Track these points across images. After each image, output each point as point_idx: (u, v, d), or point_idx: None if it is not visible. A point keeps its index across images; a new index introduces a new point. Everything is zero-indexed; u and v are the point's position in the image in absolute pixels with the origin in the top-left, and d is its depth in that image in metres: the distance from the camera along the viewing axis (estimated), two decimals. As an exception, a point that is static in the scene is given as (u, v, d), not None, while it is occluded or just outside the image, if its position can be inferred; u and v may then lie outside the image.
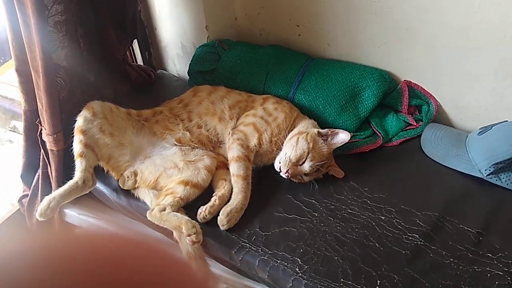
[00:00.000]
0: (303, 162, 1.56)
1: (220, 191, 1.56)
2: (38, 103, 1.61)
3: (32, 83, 1.59)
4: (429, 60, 1.77)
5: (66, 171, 1.67)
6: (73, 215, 1.84)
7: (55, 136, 1.62)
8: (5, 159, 2.57)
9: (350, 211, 1.54)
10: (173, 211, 1.48)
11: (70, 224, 1.92)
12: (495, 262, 1.38)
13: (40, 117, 1.64)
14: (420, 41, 1.74)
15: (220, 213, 1.50)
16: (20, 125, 2.59)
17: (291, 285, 1.37)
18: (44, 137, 1.66)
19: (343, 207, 1.55)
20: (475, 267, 1.37)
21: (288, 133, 1.65)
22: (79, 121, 1.56)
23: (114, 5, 1.79)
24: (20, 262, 0.45)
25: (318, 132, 1.60)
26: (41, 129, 1.67)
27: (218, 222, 1.49)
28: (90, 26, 1.73)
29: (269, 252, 1.44)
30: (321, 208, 1.55)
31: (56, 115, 1.59)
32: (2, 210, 2.25)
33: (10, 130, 2.64)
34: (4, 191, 2.36)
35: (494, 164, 1.56)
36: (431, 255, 1.40)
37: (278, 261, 1.41)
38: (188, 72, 2.02)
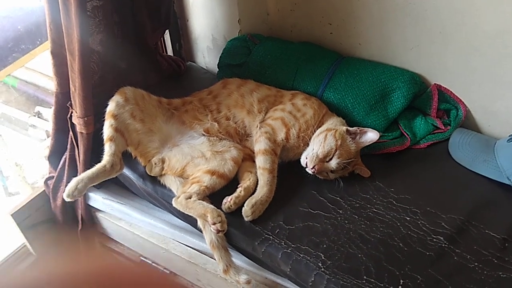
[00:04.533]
0: (330, 159, 1.56)
1: (246, 182, 1.57)
2: (71, 86, 1.63)
3: (65, 66, 1.61)
4: (461, 64, 1.76)
5: (93, 154, 1.70)
6: (98, 199, 1.87)
7: (85, 119, 1.64)
8: (28, 143, 2.61)
9: (375, 210, 1.53)
10: (199, 200, 1.49)
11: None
12: (520, 269, 1.37)
13: (72, 100, 1.66)
14: (453, 45, 1.73)
15: (245, 204, 1.50)
16: (44, 110, 2.63)
17: (313, 279, 1.37)
18: (75, 120, 1.68)
19: (368, 206, 1.55)
20: (500, 273, 1.35)
21: (316, 129, 1.65)
22: (111, 106, 1.57)
23: (150, -7, 1.82)
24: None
25: (347, 129, 1.60)
26: (72, 112, 1.69)
27: (243, 213, 1.50)
28: (126, 13, 1.75)
29: (292, 245, 1.44)
30: (345, 206, 1.55)
31: (88, 98, 1.61)
32: (24, 193, 2.29)
33: (34, 115, 2.67)
34: (27, 175, 2.40)
35: (522, 172, 1.55)
36: (455, 258, 1.40)
37: (301, 255, 1.41)
38: (218, 64, 2.04)
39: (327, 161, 1.56)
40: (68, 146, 1.78)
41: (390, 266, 1.37)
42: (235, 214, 1.51)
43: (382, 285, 1.33)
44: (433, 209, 1.53)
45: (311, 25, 2.03)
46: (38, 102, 2.79)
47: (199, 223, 1.53)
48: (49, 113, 2.06)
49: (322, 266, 1.38)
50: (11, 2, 1.93)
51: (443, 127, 1.81)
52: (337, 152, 1.55)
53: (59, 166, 1.84)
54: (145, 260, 1.90)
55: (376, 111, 1.78)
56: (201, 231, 1.53)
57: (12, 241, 1.99)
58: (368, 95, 1.78)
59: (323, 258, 1.40)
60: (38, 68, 2.75)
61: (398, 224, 1.49)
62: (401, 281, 1.34)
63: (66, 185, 1.52)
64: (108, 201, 1.85)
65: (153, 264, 1.87)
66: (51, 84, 1.69)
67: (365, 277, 1.35)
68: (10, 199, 2.37)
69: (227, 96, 1.73)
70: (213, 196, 1.54)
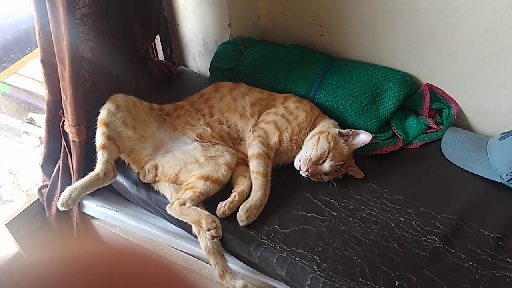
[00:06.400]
0: (323, 162, 1.56)
1: (240, 187, 1.57)
2: (62, 95, 1.62)
3: (56, 74, 1.60)
4: (452, 64, 1.77)
5: (86, 162, 1.69)
6: (92, 207, 1.86)
7: (78, 127, 1.63)
8: (21, 150, 2.59)
9: (369, 211, 1.54)
10: (193, 206, 1.49)
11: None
12: (515, 267, 1.37)
13: (64, 108, 1.65)
14: (443, 45, 1.74)
15: (240, 209, 1.50)
16: (36, 117, 2.62)
17: (309, 283, 1.37)
18: (67, 128, 1.67)
19: (362, 207, 1.55)
20: (495, 272, 1.36)
21: (309, 132, 1.65)
22: (103, 113, 1.57)
23: (140, -1, 1.81)
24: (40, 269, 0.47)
25: (339, 132, 1.60)
26: (64, 120, 1.68)
27: (237, 218, 1.50)
28: (115, 19, 1.74)
29: (288, 249, 1.44)
30: (340, 208, 1.55)
31: (80, 107, 1.61)
32: (18, 200, 2.28)
33: (27, 122, 2.66)
34: (21, 182, 2.39)
35: (515, 170, 1.55)
36: (450, 258, 1.40)
37: (297, 259, 1.41)
38: (209, 69, 2.03)
39: (321, 164, 1.56)
40: (61, 155, 1.77)
41: (385, 268, 1.38)
42: (229, 219, 1.50)
43: (377, 286, 1.33)
44: (427, 209, 1.53)
45: (302, 27, 2.03)
46: (31, 108, 2.78)
47: (194, 229, 1.52)
48: (42, 119, 2.05)
49: (317, 269, 1.38)
50: (0, 10, 1.92)
51: (436, 127, 1.82)
52: (330, 155, 1.55)
53: (53, 175, 1.83)
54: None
55: (368, 112, 1.78)
56: (196, 237, 1.53)
57: (7, 250, 1.98)
58: (359, 97, 1.78)
59: (318, 261, 1.40)
60: (30, 74, 2.73)
61: (393, 225, 1.49)
62: (397, 282, 1.34)
63: (60, 194, 1.52)
64: (103, 209, 1.84)
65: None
66: (43, 90, 1.68)
67: (360, 279, 1.35)
68: (5, 207, 2.36)
69: (220, 100, 1.73)
70: (208, 202, 1.54)
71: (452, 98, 1.84)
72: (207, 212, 1.47)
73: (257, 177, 1.56)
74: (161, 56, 2.23)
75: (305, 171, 1.56)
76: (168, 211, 1.52)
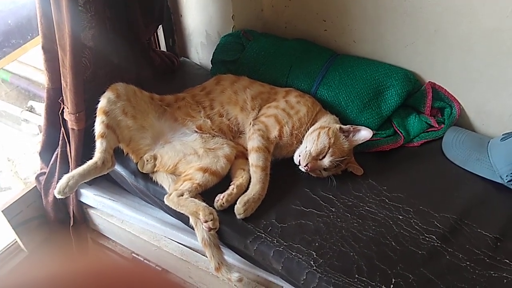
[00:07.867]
0: (323, 157, 1.55)
1: (238, 180, 1.56)
2: (63, 82, 1.61)
3: (57, 61, 1.59)
4: (456, 63, 1.75)
5: (85, 150, 1.68)
6: (89, 195, 1.85)
7: (77, 115, 1.62)
8: (21, 138, 2.59)
9: (368, 208, 1.53)
10: (191, 197, 1.48)
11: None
12: (512, 268, 1.37)
13: (64, 95, 1.64)
14: (448, 44, 1.72)
15: (237, 202, 1.50)
16: (37, 105, 2.61)
17: (305, 277, 1.37)
18: (66, 116, 1.66)
19: (361, 204, 1.54)
20: (492, 272, 1.36)
21: (310, 127, 1.64)
22: (103, 102, 1.56)
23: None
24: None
25: (340, 127, 1.59)
26: (63, 108, 1.67)
27: (235, 211, 1.49)
28: (118, 8, 1.73)
29: (285, 243, 1.43)
30: (338, 204, 1.54)
31: (80, 94, 1.60)
32: (16, 188, 2.27)
33: (27, 110, 2.65)
34: (19, 170, 2.38)
35: (515, 171, 1.55)
36: (448, 257, 1.40)
37: (293, 253, 1.41)
38: (211, 60, 2.02)
39: (320, 159, 1.56)
40: (60, 142, 1.77)
41: (382, 265, 1.37)
42: (227, 211, 1.50)
43: (374, 283, 1.33)
44: (426, 207, 1.53)
45: (306, 22, 2.02)
46: (31, 96, 2.77)
47: (191, 221, 1.52)
48: (42, 107, 2.05)
49: (314, 265, 1.38)
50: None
51: (437, 125, 1.81)
52: (330, 150, 1.54)
53: (51, 162, 1.83)
54: (137, 257, 1.89)
55: (370, 109, 1.77)
56: (193, 229, 1.52)
57: (3, 237, 1.98)
58: (361, 93, 1.77)
59: (315, 256, 1.40)
60: (31, 62, 2.72)
61: (391, 222, 1.48)
62: (393, 280, 1.34)
63: (57, 181, 1.51)
64: (100, 198, 1.84)
65: (145, 261, 1.86)
66: (44, 79, 1.68)
67: (357, 276, 1.35)
68: (2, 194, 2.35)
69: (221, 93, 1.72)
70: (205, 194, 1.53)
71: (454, 97, 1.83)
72: (205, 204, 1.46)
73: (256, 170, 1.55)
74: (163, 47, 2.22)
75: (305, 166, 1.55)
76: (166, 202, 1.52)
